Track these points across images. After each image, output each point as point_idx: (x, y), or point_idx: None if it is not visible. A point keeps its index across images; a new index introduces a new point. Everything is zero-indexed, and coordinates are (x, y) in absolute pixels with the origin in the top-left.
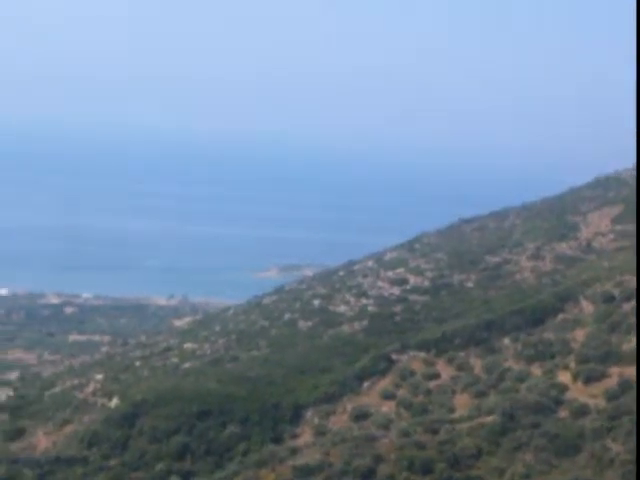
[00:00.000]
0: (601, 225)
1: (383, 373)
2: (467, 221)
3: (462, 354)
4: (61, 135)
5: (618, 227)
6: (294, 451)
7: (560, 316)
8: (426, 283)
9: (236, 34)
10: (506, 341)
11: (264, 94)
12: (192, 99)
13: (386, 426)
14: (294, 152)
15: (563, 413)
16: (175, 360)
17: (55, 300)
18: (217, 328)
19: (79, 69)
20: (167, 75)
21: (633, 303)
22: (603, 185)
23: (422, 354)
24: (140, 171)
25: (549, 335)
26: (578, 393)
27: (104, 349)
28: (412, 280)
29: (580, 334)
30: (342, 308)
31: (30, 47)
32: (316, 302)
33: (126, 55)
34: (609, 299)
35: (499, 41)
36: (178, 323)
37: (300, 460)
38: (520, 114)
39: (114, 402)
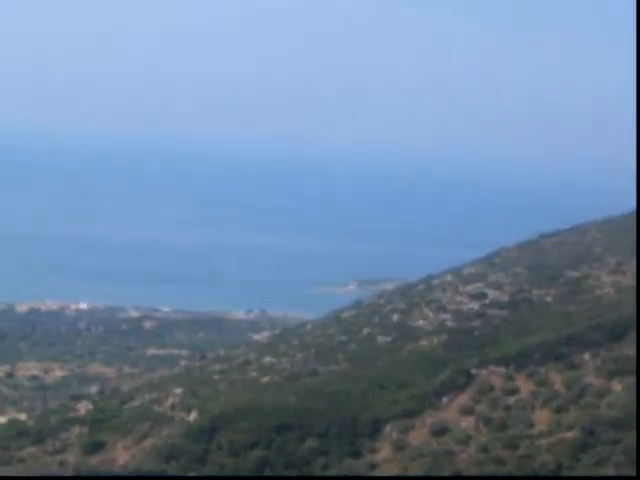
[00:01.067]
0: None
1: (462, 388)
2: (547, 235)
3: (542, 369)
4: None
5: None
6: (373, 466)
7: None
8: (505, 298)
9: None
10: (586, 356)
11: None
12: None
13: (465, 441)
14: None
15: None
16: (254, 374)
17: (134, 314)
18: (296, 342)
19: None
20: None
21: None
22: None
23: (501, 369)
24: (221, 183)
25: (629, 350)
26: None
27: (183, 363)
28: (491, 295)
29: None
30: (421, 322)
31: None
32: (395, 316)
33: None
34: None
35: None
36: (257, 337)
37: (378, 475)
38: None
39: (193, 416)
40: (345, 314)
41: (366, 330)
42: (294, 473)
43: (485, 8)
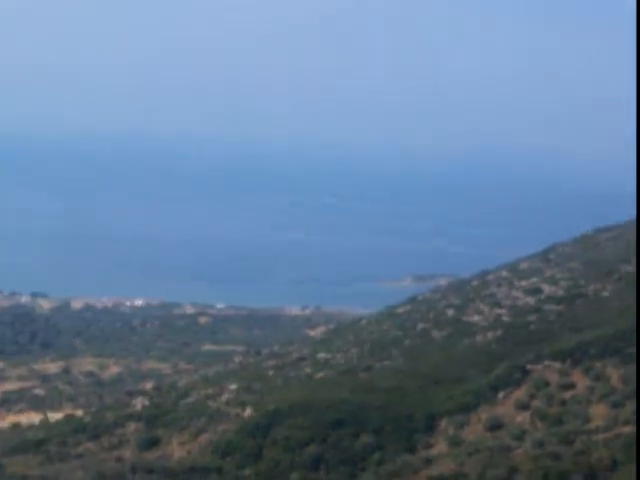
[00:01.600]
0: None
1: (518, 383)
2: (601, 230)
3: (598, 364)
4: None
5: None
6: (428, 461)
7: None
8: (561, 292)
9: None
10: None
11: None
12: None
13: (520, 437)
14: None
15: None
16: (308, 370)
17: (190, 310)
18: (350, 338)
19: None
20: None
21: None
22: None
23: (557, 364)
24: (280, 183)
25: None
26: None
27: (238, 359)
28: (547, 290)
29: None
30: (476, 318)
31: None
32: (450, 312)
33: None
34: None
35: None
36: (311, 333)
37: (434, 470)
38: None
39: (248, 412)
40: (400, 309)
41: (421, 325)
42: (349, 469)
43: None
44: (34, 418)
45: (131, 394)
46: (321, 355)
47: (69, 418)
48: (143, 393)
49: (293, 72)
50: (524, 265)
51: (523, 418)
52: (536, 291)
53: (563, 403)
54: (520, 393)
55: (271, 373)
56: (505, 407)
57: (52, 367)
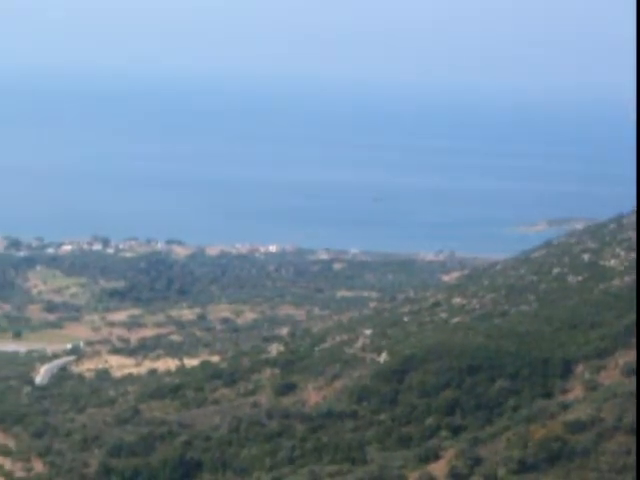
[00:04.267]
0: None
1: None
2: None
3: None
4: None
5: None
6: (564, 406)
7: None
8: None
9: None
10: None
11: None
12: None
13: None
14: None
15: None
16: (443, 315)
17: (324, 256)
18: (485, 283)
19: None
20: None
21: None
22: None
23: None
24: (417, 125)
25: None
26: None
27: (372, 304)
28: None
29: None
30: (612, 262)
31: None
32: (585, 256)
33: None
34: None
35: None
36: (446, 278)
37: (570, 416)
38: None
39: (383, 357)
40: (535, 254)
41: (556, 270)
42: (485, 414)
43: None
44: (171, 364)
45: (266, 340)
46: (456, 300)
47: (205, 364)
48: (278, 339)
49: None
50: None
51: None
52: None
53: None
54: None
55: (406, 319)
56: None
57: (188, 314)
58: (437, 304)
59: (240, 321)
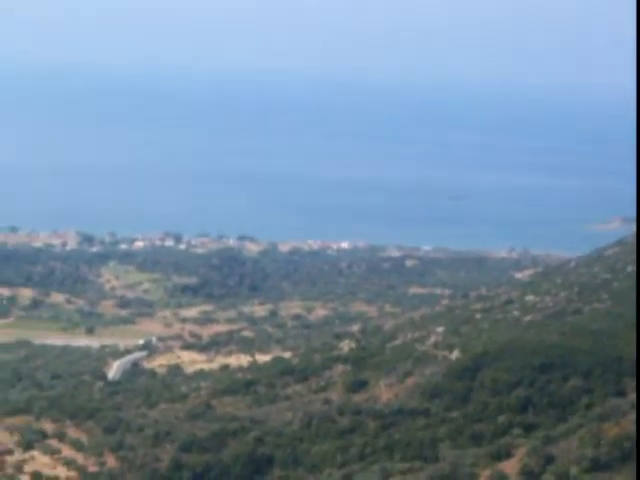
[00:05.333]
0: None
1: None
2: None
3: None
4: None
5: None
6: (638, 405)
7: None
8: None
9: None
10: None
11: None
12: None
13: None
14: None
15: None
16: (516, 313)
17: (396, 253)
18: (558, 281)
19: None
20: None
21: None
22: None
23: None
24: (480, 123)
25: None
26: None
27: (444, 302)
28: None
29: None
30: None
31: None
32: None
33: None
34: None
35: None
36: (518, 275)
37: None
38: None
39: (455, 354)
40: (609, 252)
41: (630, 268)
42: (557, 412)
43: None
44: (243, 360)
45: (338, 337)
46: (529, 298)
47: (277, 360)
48: (350, 336)
49: None
50: None
51: None
52: None
53: None
54: None
55: (478, 316)
56: None
57: (260, 310)
58: (510, 302)
59: (312, 317)
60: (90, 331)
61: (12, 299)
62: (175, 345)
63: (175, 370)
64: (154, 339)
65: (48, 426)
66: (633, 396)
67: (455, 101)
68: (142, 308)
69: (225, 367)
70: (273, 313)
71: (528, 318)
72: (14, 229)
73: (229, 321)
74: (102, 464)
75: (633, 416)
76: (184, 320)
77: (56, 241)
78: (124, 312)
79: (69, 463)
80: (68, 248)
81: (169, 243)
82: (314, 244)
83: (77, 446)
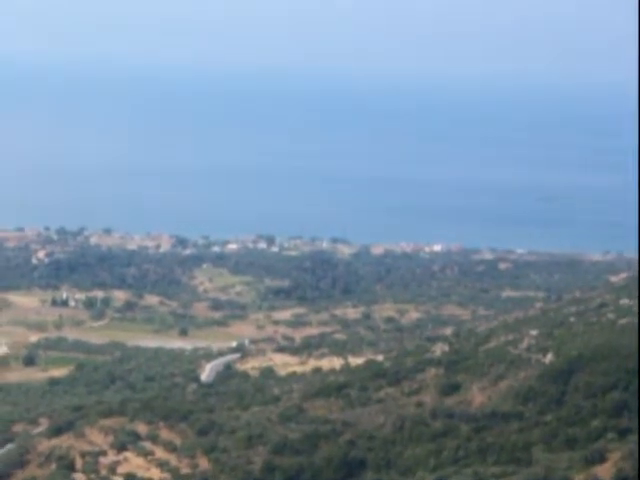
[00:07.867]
0: None
1: None
2: None
3: None
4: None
5: None
6: None
7: None
8: None
9: None
10: None
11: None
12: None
13: None
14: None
15: None
16: (611, 316)
17: (489, 256)
18: None
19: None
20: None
21: None
22: None
23: None
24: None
25: None
26: None
27: (538, 305)
28: None
29: None
30: None
31: None
32: None
33: None
34: None
35: None
36: (614, 279)
37: None
38: None
39: (549, 358)
40: None
41: None
42: None
43: None
44: (335, 363)
45: (431, 340)
46: (624, 301)
47: (370, 363)
48: (443, 339)
49: None
50: None
51: None
52: None
53: None
54: None
55: (572, 319)
56: None
57: (352, 312)
58: (604, 305)
59: (404, 320)
60: (183, 333)
61: (106, 301)
62: (267, 348)
63: (267, 373)
64: (247, 341)
65: (141, 428)
66: None
67: (549, 103)
68: (235, 310)
69: (317, 370)
70: (366, 316)
71: (623, 321)
72: (108, 231)
73: (321, 324)
74: (195, 466)
75: None
76: (276, 323)
77: (150, 243)
78: (217, 314)
79: (162, 465)
80: (162, 250)
81: (262, 245)
82: (407, 247)
83: (170, 448)
